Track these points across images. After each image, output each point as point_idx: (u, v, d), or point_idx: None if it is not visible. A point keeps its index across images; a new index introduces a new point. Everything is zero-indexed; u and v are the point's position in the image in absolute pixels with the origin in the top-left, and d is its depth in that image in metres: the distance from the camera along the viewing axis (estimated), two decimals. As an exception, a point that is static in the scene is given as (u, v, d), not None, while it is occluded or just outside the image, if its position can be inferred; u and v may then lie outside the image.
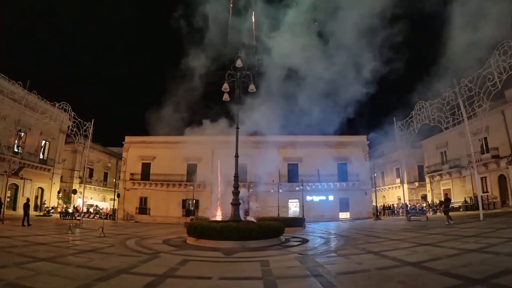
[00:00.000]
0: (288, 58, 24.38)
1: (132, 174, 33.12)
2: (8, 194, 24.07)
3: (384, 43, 25.86)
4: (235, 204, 11.33)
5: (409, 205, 28.09)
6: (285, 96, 26.94)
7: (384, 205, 36.75)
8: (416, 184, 38.08)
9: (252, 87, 12.26)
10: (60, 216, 22.44)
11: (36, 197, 28.94)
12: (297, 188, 29.62)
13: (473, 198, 26.28)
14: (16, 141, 24.10)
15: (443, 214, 16.10)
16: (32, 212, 26.18)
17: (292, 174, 32.25)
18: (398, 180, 38.64)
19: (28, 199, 17.96)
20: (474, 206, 24.50)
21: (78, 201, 32.32)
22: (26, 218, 15.46)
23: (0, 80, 23.40)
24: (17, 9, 52.92)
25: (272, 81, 24.38)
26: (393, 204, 36.07)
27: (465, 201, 27.00)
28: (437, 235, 9.68)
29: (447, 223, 14.02)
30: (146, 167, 33.48)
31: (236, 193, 11.42)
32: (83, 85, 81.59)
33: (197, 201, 30.75)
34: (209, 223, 9.94)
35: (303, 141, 32.37)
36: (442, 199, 30.08)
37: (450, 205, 17.14)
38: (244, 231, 8.92)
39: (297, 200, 30.85)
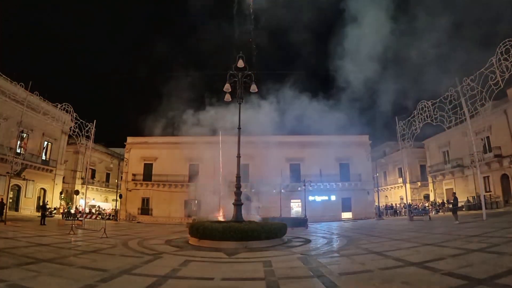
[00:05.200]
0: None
1: (134, 174, 33.15)
2: (11, 195, 24.15)
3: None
4: (238, 204, 11.26)
5: (411, 205, 27.99)
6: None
7: (386, 205, 36.65)
8: (419, 183, 37.92)
9: (253, 87, 12.22)
10: (62, 217, 22.57)
11: (39, 198, 29.05)
12: (299, 188, 29.54)
13: (475, 197, 26.20)
14: (18, 142, 24.24)
15: (451, 213, 16.00)
16: (34, 213, 26.53)
17: (294, 174, 32.19)
18: (400, 180, 38.47)
19: (44, 202, 19.39)
20: (477, 206, 24.42)
21: (80, 202, 32.44)
22: (43, 218, 17.88)
23: (2, 81, 23.52)
24: (18, 10, 53.15)
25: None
26: (395, 204, 35.94)
27: (468, 201, 26.90)
28: (440, 235, 9.66)
29: (457, 221, 13.87)
30: (148, 167, 33.50)
31: (238, 193, 11.35)
32: (85, 86, 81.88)
33: (199, 201, 30.73)
34: (211, 224, 9.87)
35: (305, 141, 32.37)
36: (445, 199, 30.03)
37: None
38: (246, 231, 8.88)
39: (299, 200, 30.79)
